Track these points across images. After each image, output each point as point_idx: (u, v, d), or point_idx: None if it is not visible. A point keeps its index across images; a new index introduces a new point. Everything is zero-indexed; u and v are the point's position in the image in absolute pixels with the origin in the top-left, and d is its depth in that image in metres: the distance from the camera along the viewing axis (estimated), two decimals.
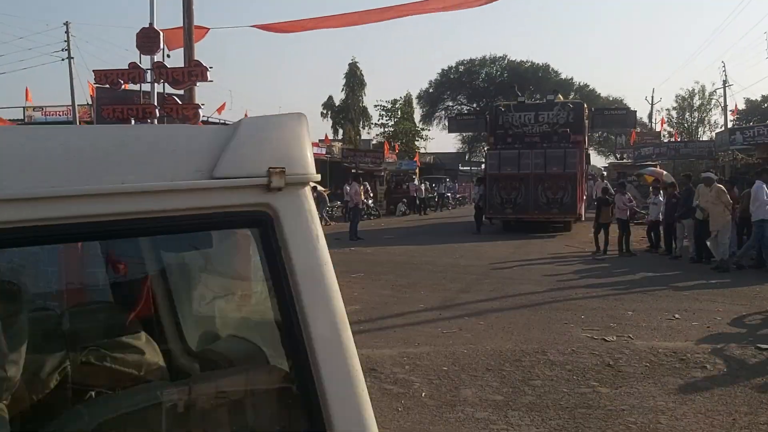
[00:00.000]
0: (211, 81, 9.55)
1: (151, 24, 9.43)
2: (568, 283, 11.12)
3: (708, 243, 12.35)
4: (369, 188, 30.35)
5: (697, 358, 6.33)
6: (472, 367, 6.15)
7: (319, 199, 23.11)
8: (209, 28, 11.38)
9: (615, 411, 4.99)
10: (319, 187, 24.45)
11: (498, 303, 9.37)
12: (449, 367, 6.16)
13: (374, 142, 50.02)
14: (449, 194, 41.44)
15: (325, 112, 53.88)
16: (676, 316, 8.29)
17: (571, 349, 6.70)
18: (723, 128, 39.59)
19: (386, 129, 52.84)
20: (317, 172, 1.33)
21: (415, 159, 43.89)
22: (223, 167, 1.26)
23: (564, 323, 7.95)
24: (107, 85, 9.59)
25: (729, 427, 4.68)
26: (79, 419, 1.49)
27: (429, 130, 64.13)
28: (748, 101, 57.88)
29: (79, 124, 14.48)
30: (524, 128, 20.94)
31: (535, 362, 6.27)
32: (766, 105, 56.53)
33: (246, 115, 10.57)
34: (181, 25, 10.46)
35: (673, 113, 58.94)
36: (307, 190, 1.34)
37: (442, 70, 64.68)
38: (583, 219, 21.80)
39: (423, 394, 5.44)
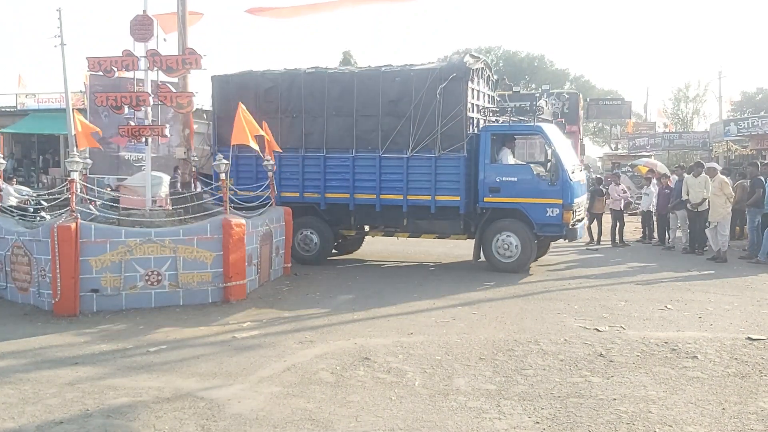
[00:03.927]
0: (206, 69, 9.47)
1: (144, 11, 9.34)
2: (561, 273, 11.17)
3: (707, 233, 12.40)
4: None
5: (688, 348, 6.38)
6: (465, 356, 6.18)
7: None
8: (203, 14, 11.31)
9: (606, 400, 5.04)
10: None
11: (491, 293, 9.41)
12: (442, 356, 6.19)
13: None
14: None
15: None
16: (668, 306, 8.35)
17: (563, 339, 6.75)
18: (718, 119, 39.69)
19: None
20: None
21: None
22: None
23: (557, 313, 8.00)
24: (100, 73, 9.48)
25: (719, 416, 4.73)
26: None
27: None
28: (743, 93, 58.03)
29: (72, 111, 14.40)
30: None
31: (528, 352, 6.31)
32: (760, 96, 56.64)
33: (240, 104, 10.50)
34: (175, 10, 10.39)
35: (668, 104, 58.99)
36: None
37: (438, 59, 64.52)
38: None
39: (416, 383, 5.47)
